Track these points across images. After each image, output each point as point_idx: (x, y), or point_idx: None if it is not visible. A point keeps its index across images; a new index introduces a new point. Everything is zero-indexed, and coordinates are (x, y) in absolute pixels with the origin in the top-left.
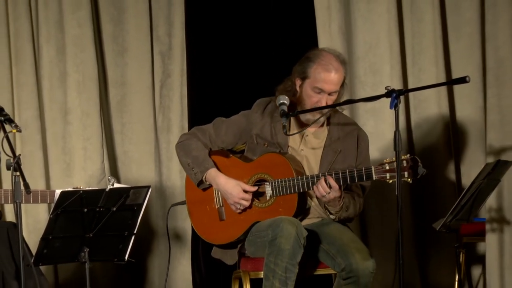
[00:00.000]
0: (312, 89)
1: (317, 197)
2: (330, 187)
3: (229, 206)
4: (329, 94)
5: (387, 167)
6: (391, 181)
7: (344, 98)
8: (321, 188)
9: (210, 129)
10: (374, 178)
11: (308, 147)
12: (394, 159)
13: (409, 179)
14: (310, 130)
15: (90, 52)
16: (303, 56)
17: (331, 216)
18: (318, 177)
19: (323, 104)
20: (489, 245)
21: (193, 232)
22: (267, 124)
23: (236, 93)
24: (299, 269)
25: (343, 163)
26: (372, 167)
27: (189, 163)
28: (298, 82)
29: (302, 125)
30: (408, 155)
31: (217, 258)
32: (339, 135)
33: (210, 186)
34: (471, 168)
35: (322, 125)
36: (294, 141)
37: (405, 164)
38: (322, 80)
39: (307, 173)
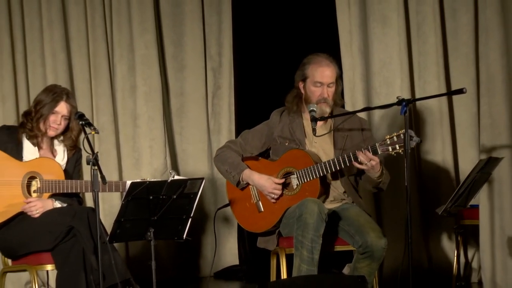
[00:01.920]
0: (313, 84)
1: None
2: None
3: (265, 198)
4: (328, 86)
5: (388, 141)
6: (393, 152)
7: (363, 103)
8: (363, 158)
9: (240, 140)
10: (379, 152)
11: (320, 139)
12: (394, 134)
13: (409, 150)
14: (318, 124)
15: (155, 68)
16: (300, 64)
17: (379, 181)
18: (333, 161)
19: (325, 95)
20: (482, 227)
21: None
22: (286, 125)
23: (273, 101)
24: (324, 245)
25: (352, 144)
26: (376, 143)
27: (227, 169)
28: (301, 85)
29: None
30: (402, 130)
31: (262, 248)
32: (343, 124)
33: (247, 185)
34: (467, 163)
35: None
36: (309, 136)
37: (402, 137)
38: (319, 75)
39: (324, 158)
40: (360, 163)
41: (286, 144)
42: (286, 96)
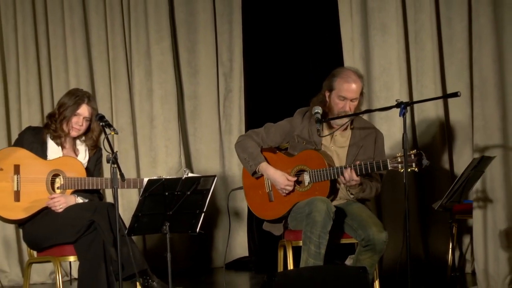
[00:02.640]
0: (337, 97)
1: (343, 183)
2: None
3: (277, 190)
4: (351, 100)
5: (399, 160)
6: (402, 170)
7: (364, 106)
8: (347, 176)
9: (262, 132)
10: (389, 168)
11: (337, 145)
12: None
13: (416, 169)
14: (338, 131)
15: (170, 74)
16: (329, 74)
17: (351, 196)
18: (345, 167)
19: (347, 108)
20: (476, 221)
21: (248, 211)
22: (306, 127)
23: (280, 104)
24: (329, 238)
25: (364, 156)
26: (388, 159)
27: (245, 158)
28: (327, 94)
29: (332, 128)
30: (415, 150)
31: (267, 230)
32: (360, 135)
33: (262, 175)
34: (462, 162)
35: (347, 128)
36: (326, 140)
37: (412, 157)
38: (345, 90)
39: (336, 164)
40: (344, 177)
41: (303, 144)
42: (312, 98)
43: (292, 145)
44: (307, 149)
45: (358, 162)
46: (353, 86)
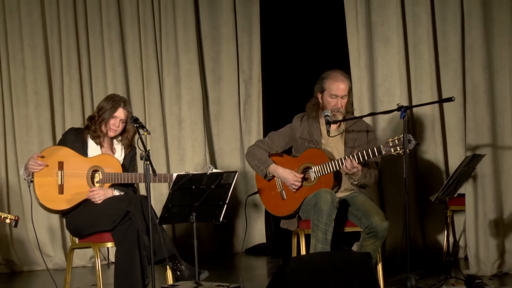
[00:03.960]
0: (329, 96)
1: (346, 172)
2: (352, 165)
3: (287, 188)
4: (342, 97)
5: (391, 144)
6: (394, 153)
7: (368, 109)
8: (348, 165)
9: (267, 140)
10: (383, 153)
11: (334, 141)
12: (395, 137)
13: (407, 150)
14: (332, 127)
15: (196, 81)
16: (319, 78)
17: (354, 182)
18: (344, 159)
19: (339, 105)
20: (468, 212)
21: None
22: (305, 128)
23: (294, 107)
24: (336, 227)
25: (359, 147)
26: (381, 145)
27: (256, 164)
28: (319, 95)
29: (339, 128)
30: (402, 135)
31: (284, 228)
32: (352, 127)
33: (273, 177)
34: (455, 159)
35: (340, 125)
36: (324, 138)
37: (401, 140)
38: (335, 89)
39: (337, 156)
40: (346, 167)
41: (306, 144)
42: (307, 104)
43: (296, 148)
44: (310, 148)
45: (355, 152)
46: (342, 85)
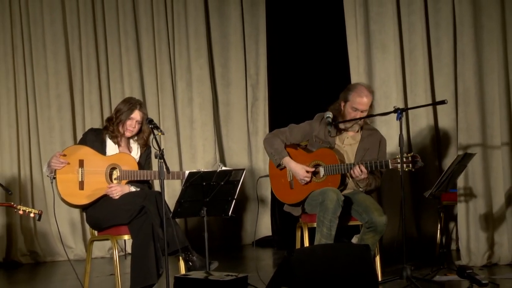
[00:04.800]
0: (351, 108)
1: (352, 177)
2: (361, 171)
3: (297, 180)
4: (362, 111)
5: (398, 161)
6: (399, 169)
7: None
8: (357, 172)
9: (286, 131)
10: (390, 167)
11: (347, 144)
12: (405, 155)
13: (413, 169)
14: (349, 134)
15: (207, 85)
16: (346, 87)
17: (360, 189)
18: (354, 164)
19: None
20: (460, 207)
21: (272, 197)
22: (322, 129)
23: (298, 109)
24: (339, 221)
25: (369, 157)
26: (389, 160)
27: (271, 152)
28: (342, 104)
29: (342, 131)
30: (412, 153)
31: (287, 212)
32: (368, 139)
33: (285, 167)
34: (448, 158)
35: (357, 131)
36: (339, 140)
37: (410, 159)
38: (357, 103)
39: (347, 161)
40: (354, 172)
41: (320, 143)
42: (329, 106)
43: (311, 143)
44: (323, 147)
45: (365, 161)
46: (365, 99)
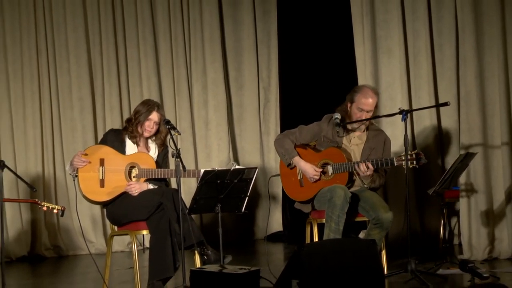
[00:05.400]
0: (357, 109)
1: (358, 174)
2: (367, 168)
3: (306, 178)
4: (367, 112)
5: (403, 158)
6: (404, 166)
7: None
8: (363, 168)
9: (296, 132)
10: (395, 164)
11: (354, 144)
12: (409, 153)
13: (417, 166)
14: (356, 134)
15: (221, 87)
16: (352, 89)
17: (365, 185)
18: (360, 162)
19: (363, 117)
20: (462, 203)
21: (283, 194)
22: (330, 130)
23: (308, 110)
24: (346, 217)
25: (375, 155)
26: (394, 157)
27: (282, 152)
28: (348, 105)
29: (349, 132)
30: (416, 150)
31: (297, 209)
32: (373, 139)
33: (295, 166)
34: (450, 157)
35: (363, 131)
36: (346, 140)
37: (414, 156)
38: (363, 104)
39: (353, 160)
40: (360, 169)
41: (328, 142)
42: (336, 107)
43: (319, 143)
44: (331, 147)
45: (371, 159)
46: (370, 100)
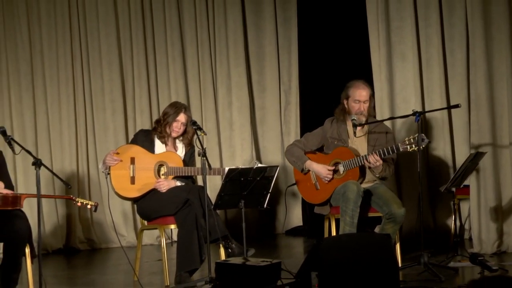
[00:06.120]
0: (353, 101)
1: (369, 167)
2: (376, 160)
3: (320, 180)
4: (363, 102)
5: (407, 142)
6: (410, 150)
7: (387, 114)
8: (371, 160)
9: (303, 140)
10: (400, 150)
11: (359, 140)
12: (411, 137)
13: (421, 147)
14: (358, 129)
15: (245, 90)
16: (344, 87)
17: (377, 175)
18: (369, 154)
19: (362, 109)
20: (472, 200)
21: None
22: (335, 129)
23: (326, 112)
24: (362, 212)
25: (380, 143)
26: (399, 143)
27: (294, 160)
28: (345, 102)
29: (363, 129)
30: (417, 134)
31: (318, 213)
32: (374, 129)
33: (308, 171)
34: (461, 156)
35: (363, 127)
36: (351, 137)
37: (416, 139)
38: (358, 95)
39: (361, 153)
40: (369, 162)
41: (335, 142)
42: (335, 109)
43: (327, 146)
44: (338, 147)
45: (377, 149)
46: (363, 91)
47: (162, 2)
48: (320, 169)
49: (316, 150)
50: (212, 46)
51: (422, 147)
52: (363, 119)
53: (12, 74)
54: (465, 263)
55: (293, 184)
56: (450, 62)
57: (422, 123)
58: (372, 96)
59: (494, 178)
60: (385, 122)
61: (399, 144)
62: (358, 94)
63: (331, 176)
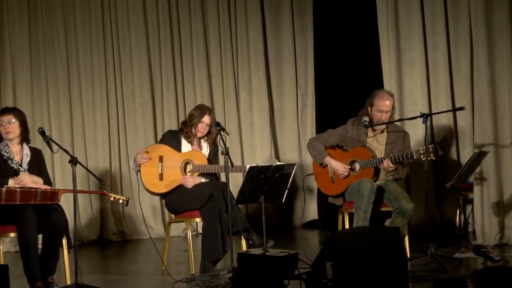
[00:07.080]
0: (376, 111)
1: (383, 168)
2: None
3: (337, 175)
4: (386, 112)
5: (421, 151)
6: (423, 159)
7: (397, 115)
8: (386, 164)
9: (325, 135)
10: (414, 157)
11: (378, 143)
12: (426, 147)
13: (434, 157)
14: (380, 135)
15: (264, 94)
16: (370, 94)
17: (390, 177)
18: (384, 158)
19: (383, 118)
20: (476, 195)
21: (318, 188)
22: (355, 131)
23: (340, 114)
24: (373, 207)
25: (396, 149)
26: (413, 151)
27: (314, 154)
28: (369, 108)
29: (374, 131)
30: (433, 145)
31: (331, 203)
32: (393, 136)
33: (326, 165)
34: (466, 155)
35: (383, 131)
36: (370, 139)
37: (431, 150)
38: (381, 105)
39: (378, 156)
40: (383, 165)
41: (354, 142)
42: (359, 111)
43: (346, 144)
44: (357, 146)
45: (393, 154)
46: (387, 102)
47: (189, 12)
48: (338, 166)
49: (336, 146)
50: (235, 53)
51: (436, 158)
52: (383, 127)
53: (51, 80)
54: (469, 254)
55: (311, 174)
56: (455, 67)
57: (429, 124)
58: (394, 106)
59: (496, 175)
60: (397, 123)
61: (414, 153)
62: (382, 104)
63: (347, 174)
